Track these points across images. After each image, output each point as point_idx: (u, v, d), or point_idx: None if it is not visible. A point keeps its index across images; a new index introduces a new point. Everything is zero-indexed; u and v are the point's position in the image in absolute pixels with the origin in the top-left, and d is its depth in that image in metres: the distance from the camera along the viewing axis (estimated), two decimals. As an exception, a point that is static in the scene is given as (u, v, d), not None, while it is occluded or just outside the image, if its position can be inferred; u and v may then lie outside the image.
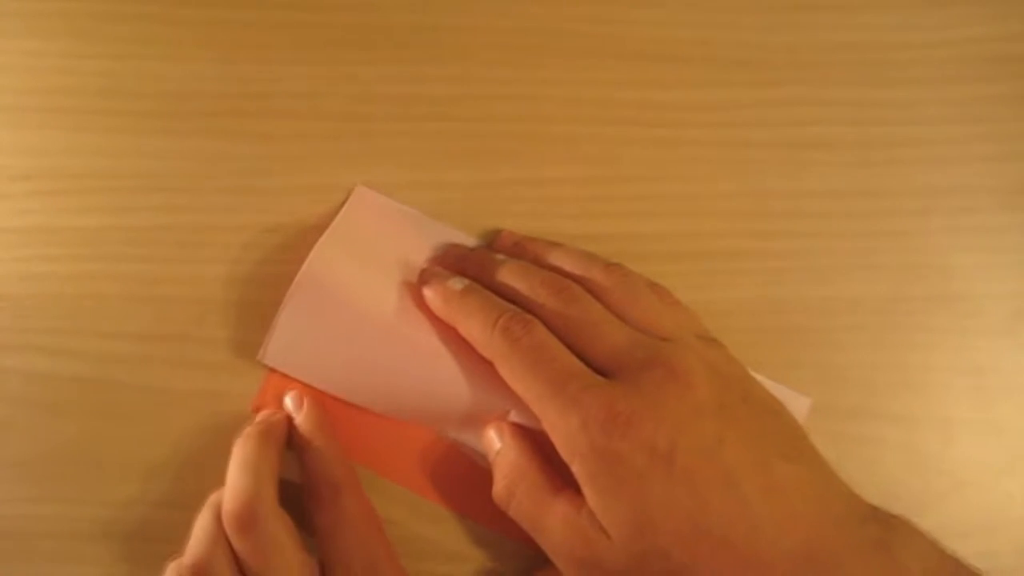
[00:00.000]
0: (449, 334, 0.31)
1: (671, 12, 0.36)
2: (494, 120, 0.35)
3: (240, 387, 0.33)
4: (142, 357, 0.33)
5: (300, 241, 0.34)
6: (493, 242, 0.34)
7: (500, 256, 0.32)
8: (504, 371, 0.29)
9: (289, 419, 0.32)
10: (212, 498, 0.30)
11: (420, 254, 0.34)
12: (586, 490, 0.27)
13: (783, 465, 0.27)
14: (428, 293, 0.32)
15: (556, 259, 0.32)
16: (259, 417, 0.32)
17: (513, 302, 0.30)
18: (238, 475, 0.29)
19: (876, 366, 0.33)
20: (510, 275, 0.31)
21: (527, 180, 0.35)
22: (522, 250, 0.33)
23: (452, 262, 0.33)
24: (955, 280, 0.34)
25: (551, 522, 0.28)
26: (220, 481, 0.32)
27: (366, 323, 0.32)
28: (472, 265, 0.33)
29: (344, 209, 0.34)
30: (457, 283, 0.31)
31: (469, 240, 0.34)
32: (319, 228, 0.34)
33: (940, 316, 0.34)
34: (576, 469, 0.27)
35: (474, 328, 0.30)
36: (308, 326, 0.32)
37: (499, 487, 0.29)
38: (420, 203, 0.34)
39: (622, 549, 0.26)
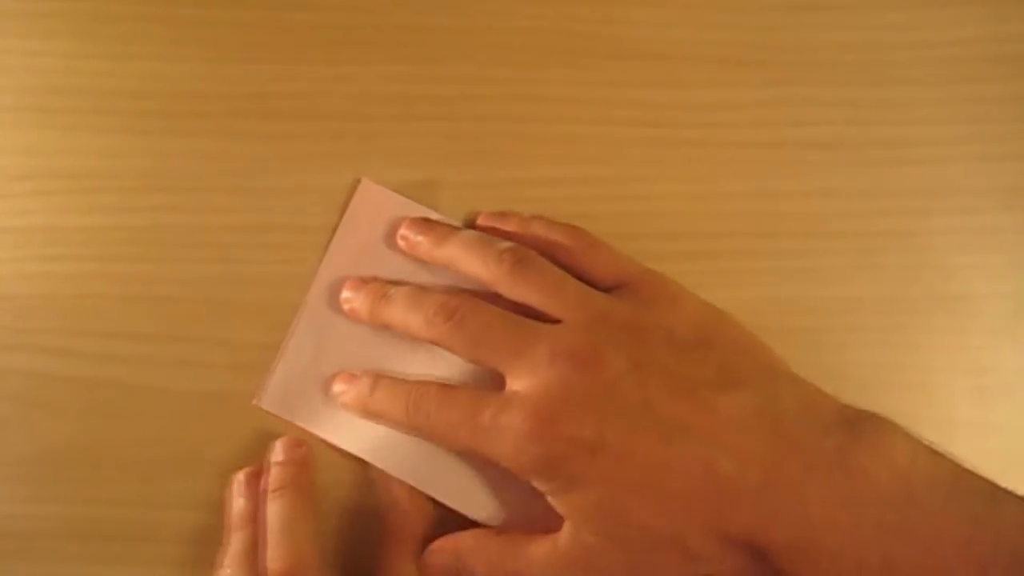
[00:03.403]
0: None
1: (671, 12, 0.36)
2: (494, 120, 0.35)
3: (240, 387, 0.33)
4: (142, 357, 0.33)
5: (300, 241, 0.34)
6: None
7: (392, 290, 0.32)
8: (433, 440, 0.30)
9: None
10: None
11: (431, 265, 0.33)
12: (551, 501, 0.28)
13: (722, 398, 0.27)
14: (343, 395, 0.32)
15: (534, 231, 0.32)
16: (278, 457, 0.31)
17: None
18: (279, 536, 0.29)
19: (876, 366, 0.33)
20: (401, 307, 0.31)
21: (527, 180, 0.35)
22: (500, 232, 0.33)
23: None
24: (955, 280, 0.34)
25: (537, 571, 0.28)
26: (219, 481, 0.32)
27: (373, 358, 0.32)
28: (369, 297, 0.32)
29: (347, 213, 0.34)
30: (366, 386, 0.31)
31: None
32: (319, 228, 0.34)
33: (940, 316, 0.34)
34: (536, 485, 0.28)
35: (395, 412, 0.30)
36: (312, 366, 0.32)
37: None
38: (420, 203, 0.34)
39: (612, 545, 0.27)
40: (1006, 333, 0.34)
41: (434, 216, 0.34)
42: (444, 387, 0.30)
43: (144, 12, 0.35)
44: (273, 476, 0.31)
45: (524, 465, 0.27)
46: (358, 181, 0.34)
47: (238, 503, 0.31)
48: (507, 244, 0.31)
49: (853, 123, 0.35)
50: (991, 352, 0.34)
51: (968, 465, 0.26)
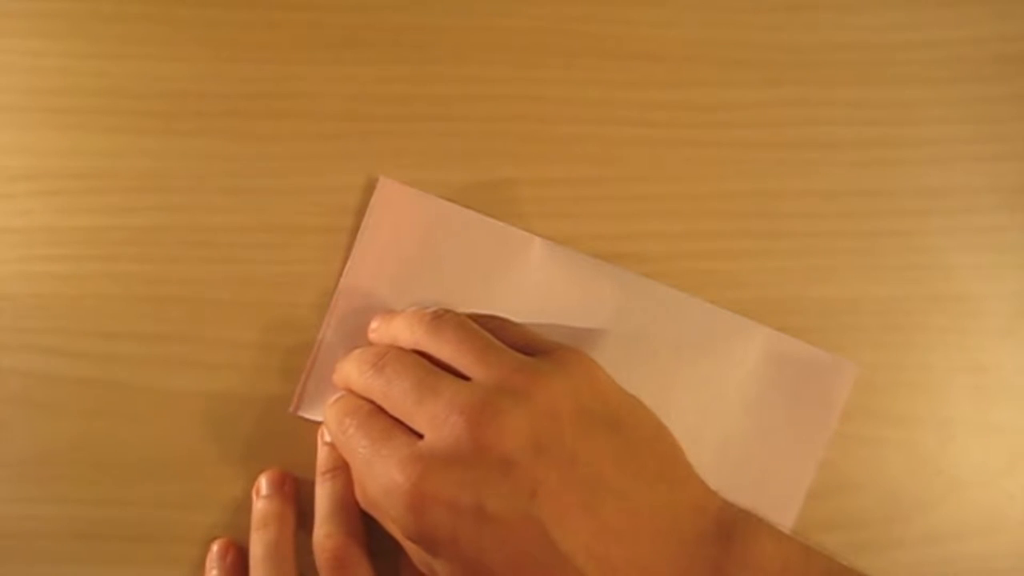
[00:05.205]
0: None
1: (671, 12, 0.36)
2: (494, 120, 0.35)
3: (240, 387, 0.33)
4: (142, 357, 0.33)
5: (300, 241, 0.34)
6: None
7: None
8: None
9: None
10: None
11: (456, 258, 0.34)
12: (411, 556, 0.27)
13: (611, 504, 0.26)
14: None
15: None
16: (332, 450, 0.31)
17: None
18: (335, 512, 0.29)
19: (876, 366, 0.33)
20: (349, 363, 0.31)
21: (527, 180, 0.35)
22: None
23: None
24: (955, 280, 0.34)
25: None
26: (219, 481, 0.32)
27: None
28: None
29: (369, 212, 0.34)
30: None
31: (501, 230, 0.34)
32: (319, 228, 0.34)
33: (940, 316, 0.34)
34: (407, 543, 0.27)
35: (329, 424, 0.30)
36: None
37: None
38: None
39: None
40: (1006, 333, 0.34)
41: (448, 208, 0.34)
42: (372, 411, 0.28)
43: (144, 12, 0.35)
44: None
45: (394, 522, 0.26)
46: (376, 180, 0.34)
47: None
48: (435, 308, 0.30)
49: (853, 123, 0.35)
50: (991, 352, 0.34)
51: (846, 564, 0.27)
